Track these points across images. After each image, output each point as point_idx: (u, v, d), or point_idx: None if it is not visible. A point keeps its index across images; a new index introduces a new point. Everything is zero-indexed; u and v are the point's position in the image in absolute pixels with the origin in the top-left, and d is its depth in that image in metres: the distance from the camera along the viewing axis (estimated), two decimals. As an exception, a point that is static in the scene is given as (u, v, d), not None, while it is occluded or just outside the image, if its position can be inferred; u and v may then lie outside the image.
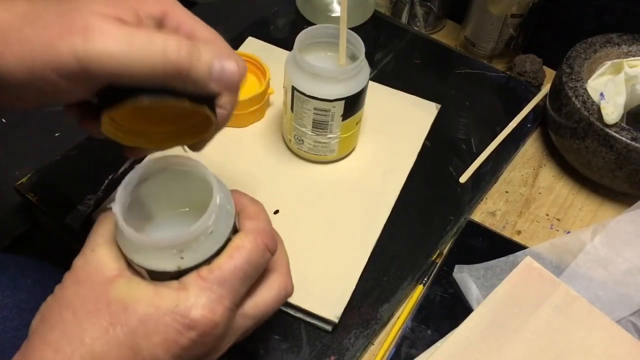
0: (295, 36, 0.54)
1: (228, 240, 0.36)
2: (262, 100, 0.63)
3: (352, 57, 0.56)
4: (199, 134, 0.38)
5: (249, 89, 0.64)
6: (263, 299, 0.38)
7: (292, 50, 0.54)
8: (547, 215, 0.62)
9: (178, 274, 0.34)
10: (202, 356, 0.34)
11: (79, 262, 0.35)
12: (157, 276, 0.35)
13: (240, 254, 0.35)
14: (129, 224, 0.34)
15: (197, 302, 0.33)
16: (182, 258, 0.34)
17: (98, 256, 0.35)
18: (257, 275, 0.37)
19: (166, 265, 0.34)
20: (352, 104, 0.55)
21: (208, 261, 0.35)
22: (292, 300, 0.50)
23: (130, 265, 0.35)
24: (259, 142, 0.63)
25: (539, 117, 0.70)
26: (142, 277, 0.35)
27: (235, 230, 0.37)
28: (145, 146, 0.38)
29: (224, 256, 0.35)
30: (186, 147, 0.39)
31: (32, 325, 0.34)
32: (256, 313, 0.37)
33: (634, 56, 0.64)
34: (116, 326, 0.32)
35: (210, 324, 0.33)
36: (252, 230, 0.36)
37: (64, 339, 0.32)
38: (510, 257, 0.56)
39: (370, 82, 0.59)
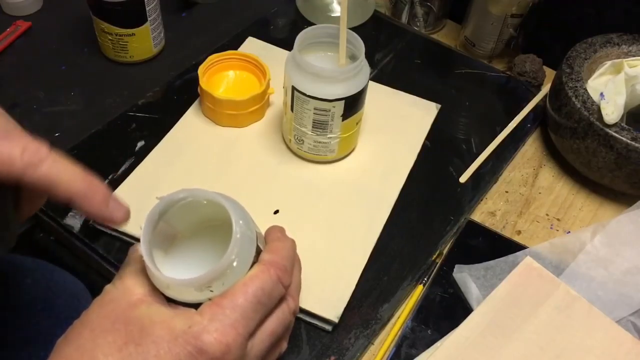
0: (295, 36, 0.54)
1: (253, 264, 0.37)
2: (262, 100, 0.63)
3: (352, 57, 0.56)
4: None
5: (249, 89, 0.64)
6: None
7: (292, 50, 0.54)
8: (547, 215, 0.62)
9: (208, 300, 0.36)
10: None
11: (107, 288, 0.37)
12: (190, 305, 0.36)
13: (253, 283, 0.36)
14: (155, 250, 0.36)
15: (210, 325, 0.34)
16: (211, 291, 0.35)
17: (125, 283, 0.36)
18: (271, 306, 0.37)
19: (196, 297, 0.36)
20: (352, 104, 0.55)
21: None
22: (292, 300, 0.50)
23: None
24: (259, 142, 0.63)
25: (539, 117, 0.69)
26: (174, 300, 0.37)
27: (259, 252, 0.38)
28: None
29: (238, 284, 0.36)
30: None
31: (57, 342, 0.35)
32: (264, 337, 0.38)
33: (634, 56, 0.64)
34: (130, 345, 0.33)
35: (222, 348, 0.33)
36: (267, 262, 0.38)
37: (78, 353, 0.33)
38: (510, 257, 0.56)
39: (370, 82, 0.59)
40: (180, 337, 0.33)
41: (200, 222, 0.41)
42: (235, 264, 0.36)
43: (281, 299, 0.39)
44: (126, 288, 0.36)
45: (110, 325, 0.34)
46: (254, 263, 0.37)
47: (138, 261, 0.37)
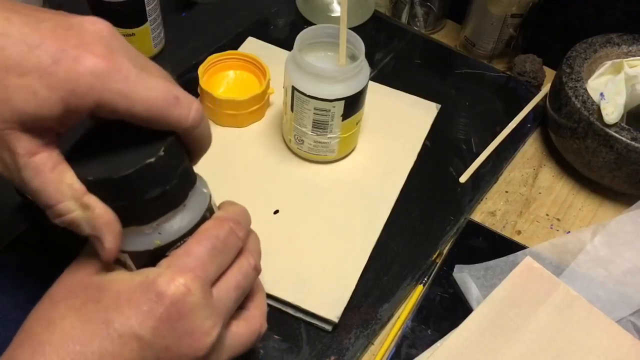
0: (295, 36, 0.54)
1: (204, 219, 0.37)
2: (262, 100, 0.63)
3: (352, 57, 0.56)
4: None
5: (249, 89, 0.64)
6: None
7: (292, 50, 0.54)
8: (547, 215, 0.62)
9: (161, 254, 0.36)
10: (186, 335, 0.34)
11: (69, 265, 0.37)
12: (140, 258, 0.36)
13: (206, 231, 0.37)
14: None
15: (166, 271, 0.34)
16: (159, 233, 0.35)
17: (85, 257, 0.37)
18: (228, 254, 0.37)
19: (146, 243, 0.35)
20: (352, 104, 0.55)
21: (184, 238, 0.36)
22: (292, 300, 0.50)
23: (118, 261, 0.37)
24: (259, 142, 0.63)
25: (539, 117, 0.70)
26: (128, 266, 0.37)
27: (212, 213, 0.39)
28: None
29: (192, 237, 0.36)
30: None
31: None
32: (230, 290, 0.37)
33: (634, 56, 0.64)
34: (88, 304, 0.34)
35: (181, 289, 0.33)
36: (219, 217, 0.38)
37: (37, 322, 0.34)
38: (510, 257, 0.56)
39: (370, 82, 0.59)
40: (138, 287, 0.33)
41: None
42: (184, 211, 0.36)
43: (239, 254, 0.39)
44: (86, 260, 0.36)
45: (68, 292, 0.35)
46: (204, 218, 0.38)
47: None
